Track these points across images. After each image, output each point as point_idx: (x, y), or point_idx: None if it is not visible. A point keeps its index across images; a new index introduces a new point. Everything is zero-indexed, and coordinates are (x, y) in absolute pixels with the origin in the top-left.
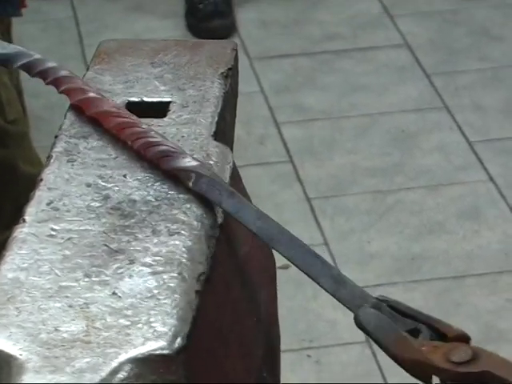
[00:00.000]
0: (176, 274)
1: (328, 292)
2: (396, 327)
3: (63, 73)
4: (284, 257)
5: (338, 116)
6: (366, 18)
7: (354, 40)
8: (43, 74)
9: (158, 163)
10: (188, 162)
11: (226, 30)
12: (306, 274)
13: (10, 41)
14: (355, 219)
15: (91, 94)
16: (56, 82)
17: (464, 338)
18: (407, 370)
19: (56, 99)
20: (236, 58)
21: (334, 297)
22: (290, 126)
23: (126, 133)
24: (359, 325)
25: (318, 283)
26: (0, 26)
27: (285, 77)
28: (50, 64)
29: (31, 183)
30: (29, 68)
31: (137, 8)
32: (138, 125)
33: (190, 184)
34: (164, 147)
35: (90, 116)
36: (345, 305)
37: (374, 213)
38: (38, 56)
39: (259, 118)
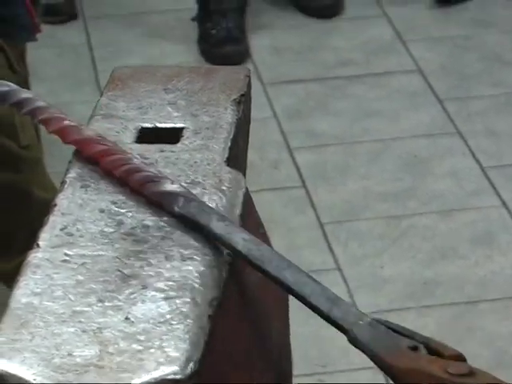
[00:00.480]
0: (189, 299)
1: (321, 311)
2: (393, 339)
3: (40, 103)
4: (275, 278)
5: (351, 141)
6: (379, 43)
7: (366, 65)
8: (19, 105)
9: (142, 189)
10: (174, 187)
11: (240, 56)
12: (297, 294)
13: (24, 66)
14: (368, 244)
15: (67, 123)
16: (33, 112)
17: (460, 359)
18: (402, 381)
19: None
20: (249, 85)
21: (328, 316)
22: (302, 151)
23: (107, 160)
24: (353, 340)
25: (311, 302)
26: (14, 52)
27: (297, 102)
28: (26, 95)
29: (45, 209)
30: (4, 98)
31: (150, 33)
32: (119, 152)
33: (176, 208)
34: (147, 173)
35: (69, 143)
36: (338, 323)
37: (386, 238)
38: (14, 87)
39: (272, 143)
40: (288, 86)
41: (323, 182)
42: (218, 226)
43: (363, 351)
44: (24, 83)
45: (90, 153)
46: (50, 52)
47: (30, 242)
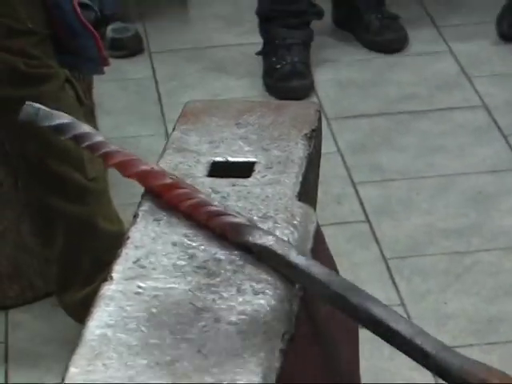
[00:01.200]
0: (261, 333)
1: (402, 336)
2: (475, 361)
3: (99, 138)
4: (361, 312)
5: (415, 176)
6: (443, 78)
7: (430, 100)
8: (79, 138)
9: (211, 222)
10: (244, 220)
11: (304, 91)
12: (386, 328)
13: (91, 98)
14: (432, 280)
15: (128, 157)
16: (93, 147)
17: None
18: None
19: None
20: (319, 120)
21: (410, 341)
22: (366, 186)
23: (171, 194)
24: (440, 366)
25: (390, 327)
26: (81, 85)
27: (361, 137)
28: (86, 129)
29: (110, 240)
30: (64, 130)
31: (215, 68)
32: (184, 185)
33: (252, 240)
34: (215, 207)
35: (129, 177)
36: (422, 348)
37: (450, 274)
38: (74, 120)
39: (336, 177)
40: (352, 121)
41: (387, 216)
42: (298, 260)
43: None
44: (90, 115)
45: (153, 186)
46: (115, 85)
47: (95, 273)
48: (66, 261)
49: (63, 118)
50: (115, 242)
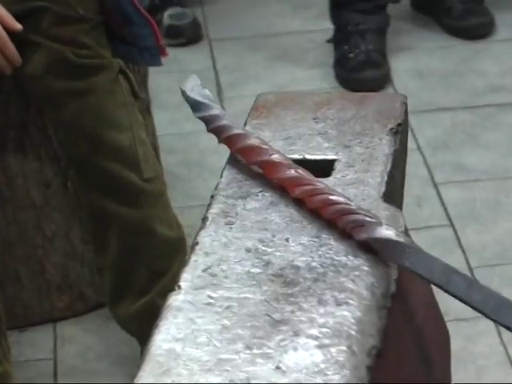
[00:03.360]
0: (345, 348)
1: None
2: None
3: (238, 131)
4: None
5: (503, 176)
6: None
7: None
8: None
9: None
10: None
11: (379, 82)
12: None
13: (146, 92)
14: None
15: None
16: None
17: None
18: None
19: (194, 155)
20: (406, 113)
21: None
22: (449, 187)
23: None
24: None
25: None
26: (136, 77)
27: (444, 133)
28: (225, 122)
29: (168, 247)
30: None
31: (280, 57)
32: (313, 182)
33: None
34: (359, 216)
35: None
36: None
37: None
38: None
39: (416, 177)
40: (433, 115)
41: (472, 221)
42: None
43: None
44: (146, 110)
45: (281, 178)
46: (172, 77)
47: (151, 282)
48: (119, 269)
49: (214, 109)
50: (173, 248)
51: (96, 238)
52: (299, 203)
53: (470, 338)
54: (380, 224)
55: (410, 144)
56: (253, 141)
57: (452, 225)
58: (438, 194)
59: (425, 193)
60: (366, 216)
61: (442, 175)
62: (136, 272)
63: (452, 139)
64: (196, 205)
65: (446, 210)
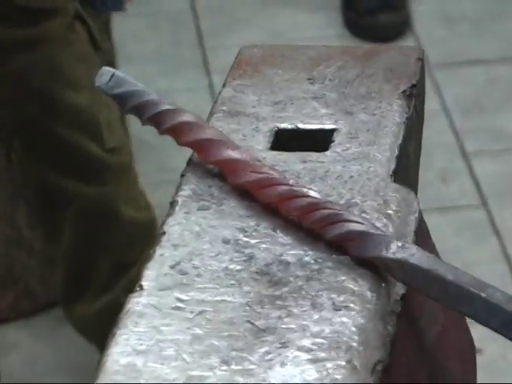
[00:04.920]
0: (344, 363)
1: None
2: None
3: (189, 118)
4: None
5: None
6: None
7: None
8: (156, 119)
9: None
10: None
11: (397, 29)
12: None
13: (109, 42)
14: None
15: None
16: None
17: None
18: None
19: None
20: (422, 71)
21: None
22: (483, 159)
23: (269, 194)
24: None
25: None
26: (96, 22)
27: (476, 91)
28: (167, 107)
29: (136, 232)
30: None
31: None
32: (284, 180)
33: (387, 253)
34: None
35: (212, 163)
36: None
37: None
38: (153, 96)
39: (441, 146)
40: (463, 69)
41: (510, 200)
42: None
43: None
44: (108, 63)
45: (242, 182)
46: (141, 23)
47: (115, 276)
48: (75, 260)
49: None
50: (142, 233)
51: (47, 223)
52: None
53: (507, 345)
54: (352, 215)
55: (434, 105)
56: (184, 117)
57: (485, 205)
58: (469, 167)
59: (452, 166)
60: (334, 209)
61: (473, 143)
62: (96, 263)
63: (487, 99)
64: (171, 180)
65: (478, 186)
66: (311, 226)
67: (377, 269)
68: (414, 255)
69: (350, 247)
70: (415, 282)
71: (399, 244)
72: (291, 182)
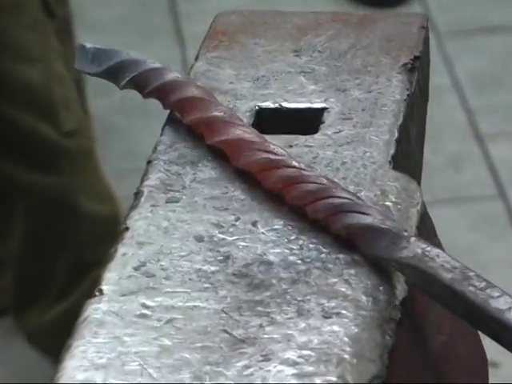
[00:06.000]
0: (335, 378)
1: None
2: None
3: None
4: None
5: None
6: None
7: None
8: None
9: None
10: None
11: None
12: None
13: (65, 7)
14: None
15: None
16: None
17: None
18: None
19: (136, 98)
20: (426, 41)
21: None
22: (500, 141)
23: (273, 178)
24: None
25: None
26: None
27: (492, 63)
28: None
29: (98, 228)
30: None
31: None
32: (291, 163)
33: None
34: (343, 200)
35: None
36: None
37: None
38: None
39: (451, 128)
40: (478, 39)
41: None
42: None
43: None
44: (65, 34)
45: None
46: None
47: (73, 280)
48: (28, 262)
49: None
50: (105, 230)
51: None
52: None
53: None
54: (360, 206)
55: (444, 80)
56: (190, 91)
57: (503, 195)
58: (484, 151)
59: (464, 150)
60: (342, 197)
61: (489, 124)
62: (52, 265)
63: (504, 73)
64: (138, 168)
65: (494, 173)
66: (315, 215)
67: (374, 268)
68: (435, 260)
69: (358, 243)
70: (430, 290)
71: (421, 245)
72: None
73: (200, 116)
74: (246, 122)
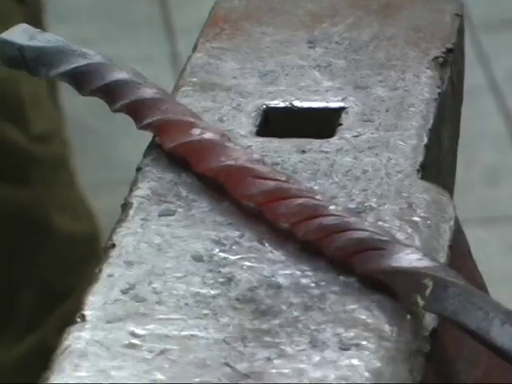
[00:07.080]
0: None
1: None
2: None
3: (149, 92)
4: None
5: None
6: None
7: None
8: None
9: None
10: (415, 259)
11: None
12: None
13: None
14: None
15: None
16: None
17: None
18: None
19: None
20: (461, 32)
21: None
22: None
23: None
24: None
25: None
26: None
27: None
28: (121, 75)
29: (72, 250)
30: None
31: None
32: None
33: (421, 301)
34: (365, 233)
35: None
36: None
37: None
38: (98, 58)
39: (487, 135)
40: None
41: None
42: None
43: None
44: (35, 20)
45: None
46: None
47: (43, 311)
48: None
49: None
50: (80, 252)
51: None
52: None
53: None
54: (393, 243)
55: (479, 79)
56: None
57: None
58: None
59: (502, 161)
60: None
61: None
62: (17, 293)
63: None
64: (121, 178)
65: None
66: (308, 236)
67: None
68: (448, 290)
69: (360, 264)
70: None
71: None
72: (282, 177)
73: (181, 142)
74: (251, 123)
